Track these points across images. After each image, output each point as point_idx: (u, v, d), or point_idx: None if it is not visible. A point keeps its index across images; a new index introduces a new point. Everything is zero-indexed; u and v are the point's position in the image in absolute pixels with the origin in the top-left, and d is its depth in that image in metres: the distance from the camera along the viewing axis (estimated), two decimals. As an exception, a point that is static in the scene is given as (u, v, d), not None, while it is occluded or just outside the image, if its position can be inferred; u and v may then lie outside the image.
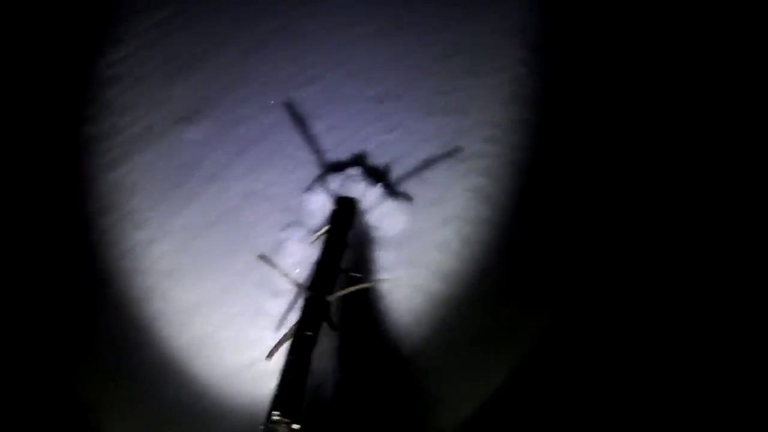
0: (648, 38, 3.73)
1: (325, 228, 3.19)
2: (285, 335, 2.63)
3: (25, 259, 3.27)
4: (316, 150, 3.71)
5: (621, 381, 2.86)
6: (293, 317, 2.92)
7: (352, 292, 2.82)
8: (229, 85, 4.04)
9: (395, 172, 3.61)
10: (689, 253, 3.09)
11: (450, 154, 3.73)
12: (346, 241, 3.11)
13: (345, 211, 3.29)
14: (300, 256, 3.24)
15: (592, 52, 3.79)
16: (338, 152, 3.72)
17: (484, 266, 3.25)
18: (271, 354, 2.61)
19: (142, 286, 3.27)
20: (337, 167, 3.60)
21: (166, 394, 3.02)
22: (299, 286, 2.74)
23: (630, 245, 3.16)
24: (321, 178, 3.54)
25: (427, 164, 3.68)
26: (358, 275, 3.05)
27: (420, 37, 4.11)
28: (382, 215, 3.42)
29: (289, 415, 2.17)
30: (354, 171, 3.48)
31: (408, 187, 3.52)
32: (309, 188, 3.49)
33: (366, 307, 3.16)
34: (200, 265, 3.34)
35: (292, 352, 2.45)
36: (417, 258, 3.28)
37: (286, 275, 2.75)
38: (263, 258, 2.65)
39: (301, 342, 2.51)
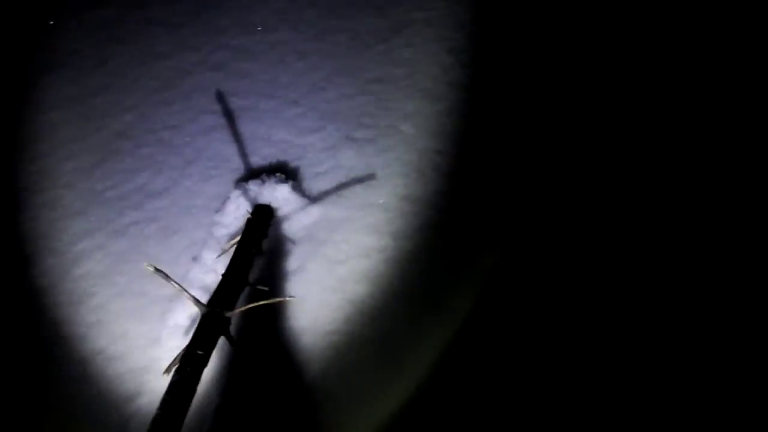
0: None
1: (236, 239, 3.19)
2: (182, 350, 2.57)
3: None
4: (234, 157, 3.70)
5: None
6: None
7: (255, 308, 2.77)
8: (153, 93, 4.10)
9: (310, 176, 3.59)
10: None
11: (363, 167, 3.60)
12: (257, 251, 3.15)
13: (260, 219, 3.29)
14: (214, 269, 3.25)
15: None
16: (255, 159, 3.74)
17: (396, 271, 3.19)
18: (168, 369, 2.56)
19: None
20: (254, 174, 3.58)
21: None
22: (196, 301, 2.68)
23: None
24: (238, 187, 3.51)
25: (346, 172, 3.60)
26: (265, 288, 3.01)
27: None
28: (297, 219, 3.39)
29: None
30: (269, 177, 3.49)
31: (322, 188, 3.50)
32: (225, 198, 3.49)
33: (271, 322, 3.12)
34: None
35: (178, 373, 2.41)
36: (331, 259, 3.24)
37: (182, 289, 2.66)
38: (159, 272, 2.52)
39: (189, 361, 2.45)
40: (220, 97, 3.82)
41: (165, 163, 3.66)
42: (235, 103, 3.79)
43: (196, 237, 3.40)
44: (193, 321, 3.12)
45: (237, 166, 3.64)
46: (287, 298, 2.94)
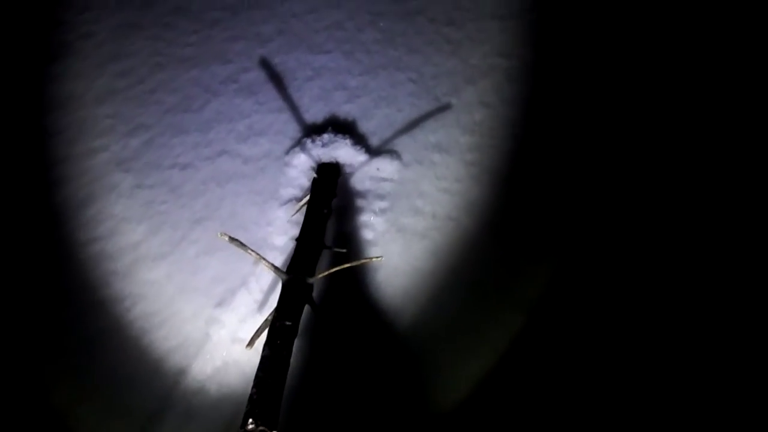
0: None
1: (305, 199, 3.16)
2: (265, 321, 2.50)
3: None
4: (295, 114, 3.65)
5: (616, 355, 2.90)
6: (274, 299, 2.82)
7: (337, 272, 2.65)
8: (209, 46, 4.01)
9: (378, 133, 3.57)
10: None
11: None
12: (329, 212, 3.05)
13: (327, 179, 3.25)
14: (283, 229, 3.19)
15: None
16: (317, 115, 3.66)
17: (475, 227, 3.25)
18: (251, 342, 2.49)
19: (107, 269, 3.22)
20: (317, 130, 3.52)
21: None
22: (276, 269, 2.58)
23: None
24: (301, 144, 3.46)
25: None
26: (342, 251, 2.98)
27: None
28: (368, 177, 3.36)
29: (265, 422, 2.02)
30: (334, 134, 3.44)
31: (394, 146, 3.50)
32: (288, 155, 3.46)
33: (352, 286, 3.13)
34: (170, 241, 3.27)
35: (268, 346, 2.30)
36: (405, 223, 3.25)
37: (260, 258, 2.54)
38: (234, 241, 2.45)
39: (278, 334, 2.33)
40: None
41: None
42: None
43: (262, 200, 3.38)
44: (263, 291, 3.09)
45: (297, 125, 3.63)
46: (373, 259, 2.86)
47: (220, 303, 3.04)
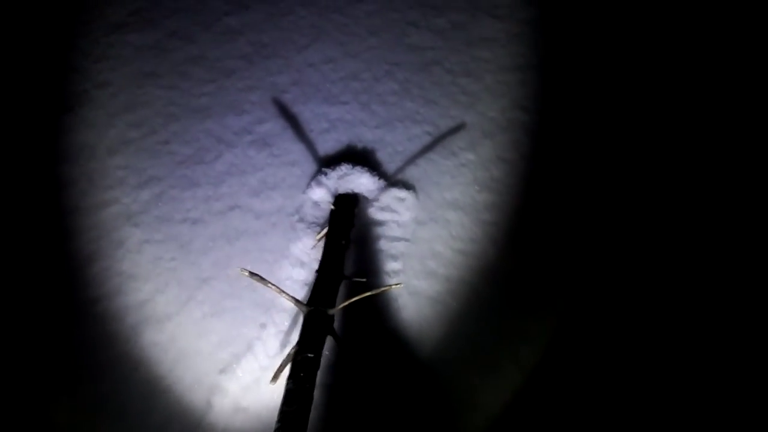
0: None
1: (324, 231, 3.15)
2: (288, 356, 2.46)
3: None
4: (311, 147, 3.64)
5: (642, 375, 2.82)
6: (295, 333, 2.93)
7: (356, 301, 2.63)
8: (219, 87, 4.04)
9: (394, 163, 3.55)
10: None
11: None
12: (347, 242, 3.04)
13: (345, 209, 3.24)
14: (293, 289, 3.10)
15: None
16: (334, 147, 3.67)
17: (494, 257, 3.18)
18: (275, 377, 2.42)
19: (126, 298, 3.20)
20: (333, 162, 3.48)
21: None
22: (296, 302, 2.57)
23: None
24: (318, 176, 3.44)
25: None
26: (362, 280, 2.97)
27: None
28: (386, 207, 3.36)
29: None
30: (350, 166, 3.48)
31: (409, 175, 3.46)
32: (307, 188, 3.42)
33: (373, 315, 3.06)
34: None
35: (291, 380, 2.29)
36: (418, 285, 3.13)
37: (281, 291, 2.53)
38: (254, 276, 2.44)
39: (301, 366, 2.33)
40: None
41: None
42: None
43: (272, 259, 3.30)
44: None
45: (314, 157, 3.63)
46: (393, 286, 2.75)
47: (224, 369, 2.93)
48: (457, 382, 2.90)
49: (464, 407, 2.87)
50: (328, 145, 3.65)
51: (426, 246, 3.18)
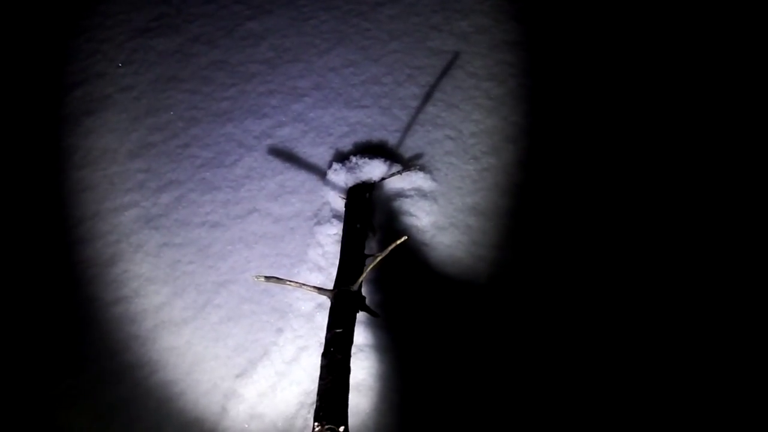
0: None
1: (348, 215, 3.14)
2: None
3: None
4: (331, 151, 3.62)
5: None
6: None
7: (377, 266, 2.59)
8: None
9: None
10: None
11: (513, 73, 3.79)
12: (363, 226, 3.03)
13: (356, 198, 3.24)
14: (311, 295, 3.03)
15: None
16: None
17: (517, 266, 3.09)
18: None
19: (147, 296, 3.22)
20: (348, 155, 3.56)
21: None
22: (320, 290, 2.60)
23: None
24: (334, 167, 3.47)
25: (492, 79, 3.77)
26: (381, 255, 2.82)
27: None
28: (405, 211, 3.31)
29: (332, 421, 2.02)
30: (359, 156, 3.46)
31: (430, 179, 3.41)
32: (325, 178, 3.47)
33: (403, 289, 3.05)
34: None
35: (323, 356, 2.30)
36: (444, 257, 3.12)
37: (301, 285, 2.56)
38: (270, 279, 2.47)
39: (331, 342, 2.34)
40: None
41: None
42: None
43: (290, 263, 3.27)
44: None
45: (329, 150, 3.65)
46: (399, 242, 2.55)
47: (241, 374, 2.89)
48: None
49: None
50: (348, 149, 3.60)
51: (446, 252, 3.11)
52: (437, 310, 2.98)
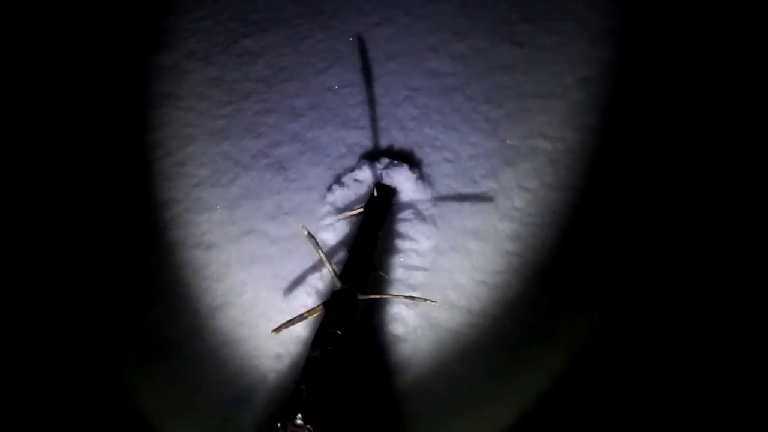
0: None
1: (359, 209, 3.20)
2: (299, 316, 2.55)
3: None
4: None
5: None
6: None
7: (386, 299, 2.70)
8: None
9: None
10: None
11: (510, 95, 3.77)
12: (379, 234, 3.03)
13: (383, 200, 3.23)
14: (321, 286, 3.15)
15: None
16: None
17: (517, 289, 3.06)
18: (279, 329, 2.53)
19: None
20: (385, 154, 3.61)
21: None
22: (335, 274, 2.62)
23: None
24: (368, 160, 3.56)
25: (490, 101, 3.76)
26: (386, 275, 3.02)
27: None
28: (404, 234, 3.28)
29: (312, 421, 2.05)
30: (400, 162, 3.48)
31: (429, 202, 3.38)
32: (355, 166, 3.56)
33: (382, 311, 3.01)
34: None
35: (318, 348, 2.30)
36: (438, 318, 2.99)
37: (326, 261, 2.63)
38: (311, 238, 2.58)
39: (328, 339, 2.33)
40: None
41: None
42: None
43: (287, 287, 3.23)
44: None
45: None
46: (428, 301, 2.79)
47: (239, 401, 2.83)
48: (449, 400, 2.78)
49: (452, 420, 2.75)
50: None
51: (446, 276, 3.09)
52: (437, 335, 2.94)
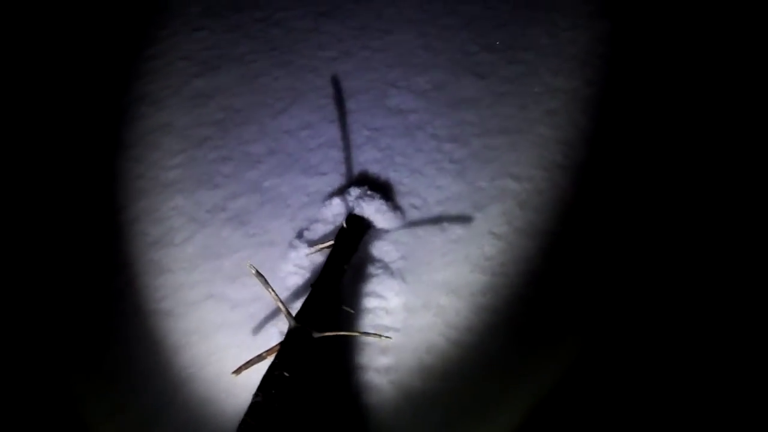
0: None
1: (327, 243, 3.10)
2: (258, 356, 2.48)
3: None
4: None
5: None
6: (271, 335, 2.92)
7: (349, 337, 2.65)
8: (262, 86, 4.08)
9: (424, 145, 3.60)
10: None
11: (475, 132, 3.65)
12: (346, 267, 2.96)
13: (353, 231, 3.14)
14: (305, 263, 3.19)
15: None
16: (370, 121, 3.79)
17: (493, 349, 2.91)
18: (238, 370, 2.46)
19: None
20: (359, 182, 3.51)
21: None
22: (288, 314, 2.52)
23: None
24: (341, 191, 3.47)
25: (454, 139, 3.64)
26: (351, 311, 2.93)
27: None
28: (392, 244, 3.25)
29: None
30: (370, 191, 3.38)
31: (395, 255, 3.25)
32: (327, 198, 3.46)
33: (352, 354, 2.90)
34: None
35: (261, 393, 2.20)
36: (412, 385, 2.85)
37: (278, 300, 2.52)
38: (260, 276, 2.49)
39: (275, 383, 2.23)
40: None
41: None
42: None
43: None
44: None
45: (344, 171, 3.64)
46: (382, 337, 2.68)
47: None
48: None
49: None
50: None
51: (418, 336, 2.95)
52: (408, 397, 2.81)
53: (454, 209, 3.40)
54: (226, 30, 4.63)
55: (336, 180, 3.58)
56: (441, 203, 3.42)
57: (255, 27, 4.61)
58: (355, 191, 3.35)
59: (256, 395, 2.21)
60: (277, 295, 2.53)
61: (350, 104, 3.95)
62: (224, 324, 3.09)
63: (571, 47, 4.05)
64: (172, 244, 3.41)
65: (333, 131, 3.82)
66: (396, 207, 3.36)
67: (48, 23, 4.67)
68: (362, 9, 4.57)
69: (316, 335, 2.49)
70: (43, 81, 4.32)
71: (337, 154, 3.70)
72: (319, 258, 3.19)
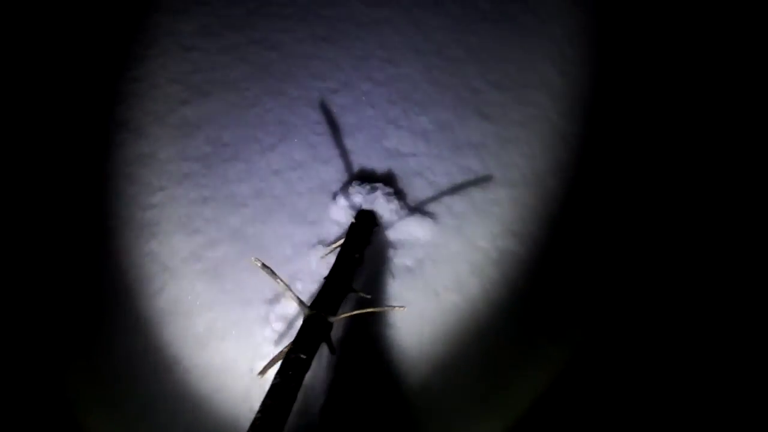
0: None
1: (340, 242, 3.02)
2: (280, 352, 2.43)
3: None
4: (345, 157, 3.46)
5: None
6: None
7: (357, 315, 2.62)
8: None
9: (422, 192, 3.39)
10: None
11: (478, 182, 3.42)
12: (360, 258, 2.94)
13: (363, 226, 3.09)
14: (315, 265, 3.13)
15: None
16: (367, 162, 3.56)
17: (498, 303, 2.97)
18: (264, 371, 2.46)
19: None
20: (364, 178, 3.41)
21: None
22: (300, 302, 2.51)
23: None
24: (345, 188, 3.37)
25: (456, 190, 3.39)
26: (367, 296, 2.81)
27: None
28: (403, 234, 3.21)
29: None
30: (380, 185, 3.31)
31: (433, 208, 3.27)
32: (334, 196, 3.37)
33: (371, 332, 2.91)
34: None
35: (279, 375, 2.25)
36: (432, 285, 3.01)
37: (287, 288, 2.48)
38: (266, 268, 2.40)
39: (291, 365, 2.28)
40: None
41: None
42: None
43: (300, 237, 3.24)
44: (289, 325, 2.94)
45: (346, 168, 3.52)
46: (396, 307, 2.75)
47: None
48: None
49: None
50: (287, 280, 3.12)
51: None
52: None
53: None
54: (219, 51, 4.31)
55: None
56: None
57: (251, 49, 4.29)
58: (361, 189, 3.34)
59: (275, 378, 2.26)
60: (287, 285, 2.47)
61: (346, 142, 3.66)
62: (191, 396, 2.80)
63: (578, 88, 3.75)
64: (141, 295, 3.13)
65: (324, 173, 3.52)
66: (407, 202, 3.36)
67: (21, 31, 4.32)
68: (365, 34, 4.25)
69: (332, 319, 2.53)
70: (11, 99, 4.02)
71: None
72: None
